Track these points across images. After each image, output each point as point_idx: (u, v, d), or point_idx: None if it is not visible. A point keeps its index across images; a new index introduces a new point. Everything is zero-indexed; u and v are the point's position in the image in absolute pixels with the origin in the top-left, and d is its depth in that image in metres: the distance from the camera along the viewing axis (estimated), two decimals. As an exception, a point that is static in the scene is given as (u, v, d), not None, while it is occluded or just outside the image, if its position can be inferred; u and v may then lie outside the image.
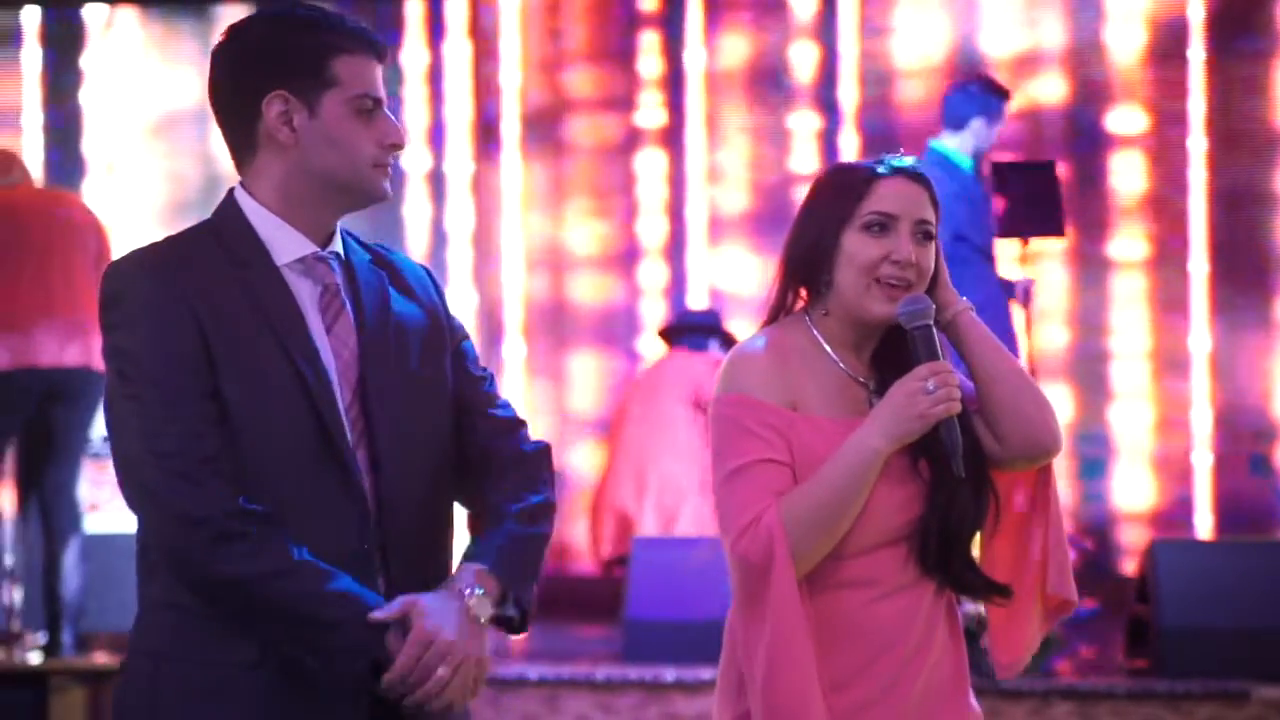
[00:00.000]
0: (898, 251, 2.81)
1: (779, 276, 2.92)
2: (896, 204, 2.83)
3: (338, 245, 2.72)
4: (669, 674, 6.32)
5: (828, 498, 2.74)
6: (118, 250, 6.26)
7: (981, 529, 2.89)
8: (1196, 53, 8.73)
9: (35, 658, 6.65)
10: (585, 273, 9.24)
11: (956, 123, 6.92)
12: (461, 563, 2.65)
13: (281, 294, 2.63)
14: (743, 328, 8.82)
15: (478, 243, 9.21)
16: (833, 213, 2.85)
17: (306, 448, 2.59)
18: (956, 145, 6.90)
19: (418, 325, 2.74)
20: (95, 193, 9.38)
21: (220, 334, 2.58)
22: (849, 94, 9.02)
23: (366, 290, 2.70)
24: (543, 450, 2.82)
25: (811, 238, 2.86)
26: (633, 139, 9.22)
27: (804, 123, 9.07)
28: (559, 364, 9.16)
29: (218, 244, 2.65)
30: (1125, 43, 8.85)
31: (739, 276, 9.09)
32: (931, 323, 2.80)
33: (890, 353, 2.87)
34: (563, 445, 8.71)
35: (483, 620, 2.59)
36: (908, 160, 2.90)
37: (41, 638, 6.74)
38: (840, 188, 2.86)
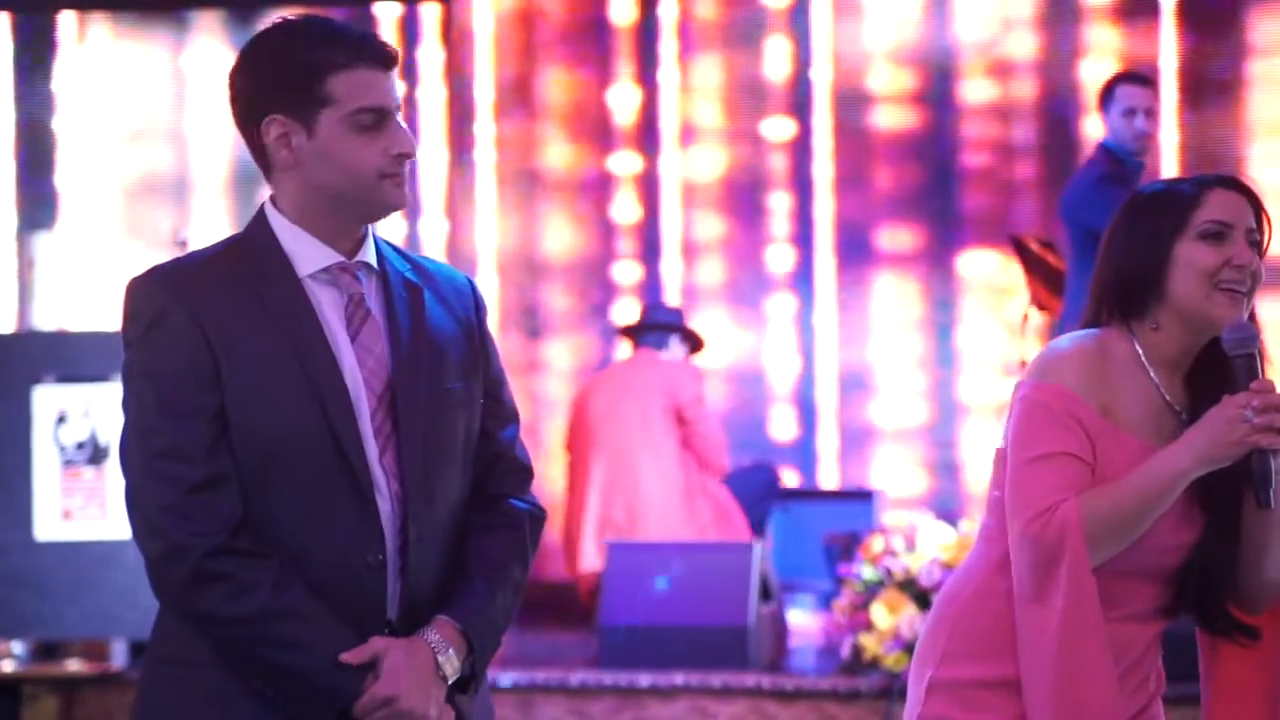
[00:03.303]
0: (1238, 256, 2.81)
1: (1095, 295, 2.92)
2: (1230, 212, 2.84)
3: (368, 255, 2.71)
4: (643, 679, 6.32)
5: (1127, 505, 2.75)
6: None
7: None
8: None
9: (8, 665, 6.63)
10: (559, 276, 9.24)
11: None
12: (440, 614, 2.66)
13: (300, 304, 2.64)
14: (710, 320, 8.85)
15: (451, 250, 9.21)
16: (1164, 225, 2.85)
17: (318, 458, 2.60)
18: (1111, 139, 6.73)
19: (451, 339, 2.74)
20: (68, 200, 9.36)
21: (231, 349, 2.59)
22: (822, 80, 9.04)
23: (399, 300, 2.70)
24: (539, 518, 2.82)
25: (1140, 251, 2.85)
26: (608, 142, 9.22)
27: (778, 128, 9.09)
28: (531, 385, 9.15)
29: (242, 258, 2.67)
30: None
31: (713, 283, 9.11)
32: (1256, 352, 2.78)
33: (1207, 381, 2.86)
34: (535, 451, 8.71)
35: (448, 680, 2.63)
36: (1228, 175, 2.92)
37: (16, 646, 6.71)
38: (1167, 202, 2.87)
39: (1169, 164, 8.69)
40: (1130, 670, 2.86)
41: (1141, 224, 2.88)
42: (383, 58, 2.67)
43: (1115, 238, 2.91)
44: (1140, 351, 2.86)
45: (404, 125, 2.68)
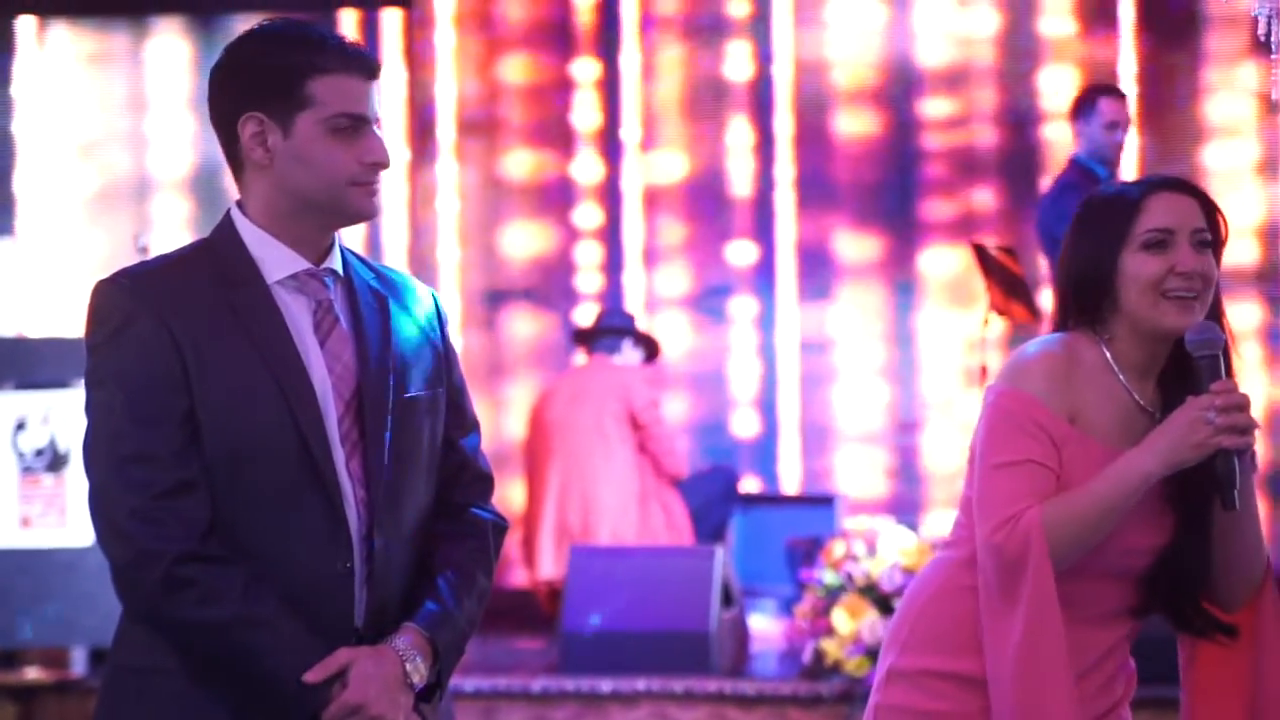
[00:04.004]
0: (1181, 263, 2.81)
1: (1057, 307, 2.93)
2: (1171, 218, 2.83)
3: (335, 262, 2.72)
4: (605, 685, 6.32)
5: (1089, 510, 2.75)
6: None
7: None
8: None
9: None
10: (521, 283, 9.23)
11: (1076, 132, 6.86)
12: (407, 622, 2.67)
13: (269, 311, 2.63)
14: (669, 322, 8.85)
15: (413, 258, 9.19)
16: (1107, 236, 2.85)
17: (286, 463, 2.60)
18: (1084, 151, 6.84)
19: (416, 347, 2.74)
20: (27, 206, 9.32)
21: (199, 353, 2.58)
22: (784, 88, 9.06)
23: (366, 307, 2.71)
24: (502, 528, 2.84)
25: (1088, 264, 2.86)
26: (569, 148, 9.22)
27: (741, 134, 9.10)
28: (494, 393, 9.14)
29: (209, 263, 2.67)
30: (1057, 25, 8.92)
31: (675, 287, 9.11)
32: (1219, 353, 2.78)
33: (1179, 381, 2.85)
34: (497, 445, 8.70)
35: (415, 687, 2.64)
36: (1172, 176, 2.91)
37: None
38: (1110, 212, 2.87)
39: (1128, 171, 8.73)
40: (1095, 670, 2.87)
41: (1089, 234, 2.89)
42: (366, 67, 2.67)
43: (1069, 247, 2.92)
44: (1109, 355, 2.87)
45: (380, 136, 2.68)
